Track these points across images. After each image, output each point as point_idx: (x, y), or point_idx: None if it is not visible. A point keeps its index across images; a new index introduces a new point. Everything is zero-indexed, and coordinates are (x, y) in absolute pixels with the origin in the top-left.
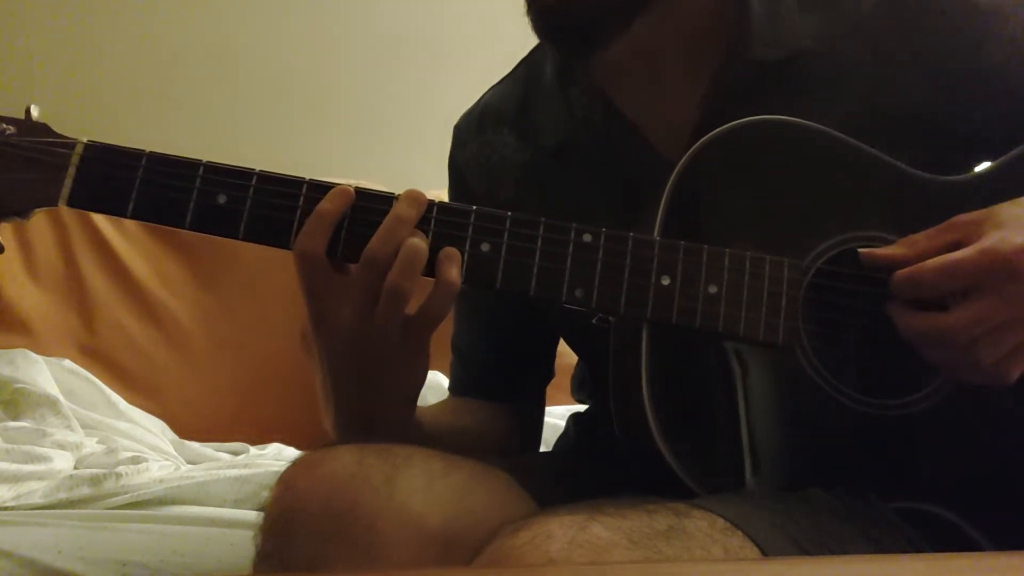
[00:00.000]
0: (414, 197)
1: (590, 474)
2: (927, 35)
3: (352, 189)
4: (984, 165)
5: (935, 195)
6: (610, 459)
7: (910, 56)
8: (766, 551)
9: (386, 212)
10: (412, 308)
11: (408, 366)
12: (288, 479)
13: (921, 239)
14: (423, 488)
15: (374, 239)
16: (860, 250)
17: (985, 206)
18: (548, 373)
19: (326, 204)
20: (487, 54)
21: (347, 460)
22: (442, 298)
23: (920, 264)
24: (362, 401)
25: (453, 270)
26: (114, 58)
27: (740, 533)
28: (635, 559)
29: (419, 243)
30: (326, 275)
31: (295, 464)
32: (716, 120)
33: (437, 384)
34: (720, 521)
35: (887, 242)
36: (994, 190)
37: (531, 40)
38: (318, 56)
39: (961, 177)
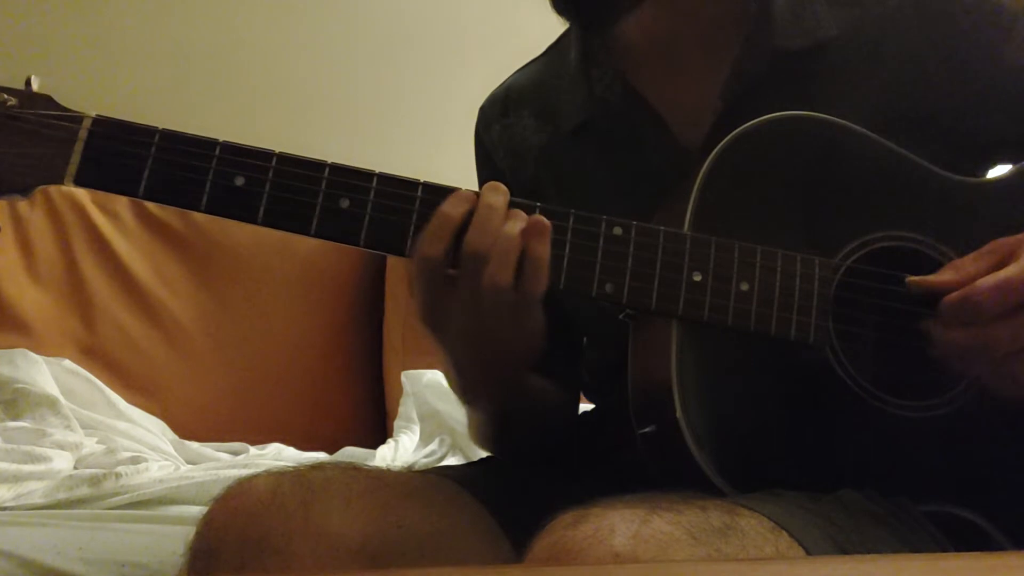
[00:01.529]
0: (495, 185)
1: (559, 479)
2: (951, 34)
3: (473, 193)
4: (1006, 167)
5: (964, 196)
6: (609, 459)
7: (933, 54)
8: (811, 552)
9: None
10: None
11: (520, 338)
12: (208, 516)
13: (967, 263)
14: (340, 508)
15: (471, 233)
16: (908, 279)
17: (1013, 209)
18: (578, 352)
19: (449, 209)
20: (500, 51)
21: (262, 490)
22: (533, 275)
23: (972, 285)
24: (482, 371)
25: (539, 246)
26: (120, 50)
27: (786, 534)
28: (698, 556)
29: (510, 233)
30: (444, 278)
31: (216, 500)
32: (737, 109)
33: (437, 383)
34: (766, 521)
35: (916, 243)
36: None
37: (547, 37)
38: (328, 53)
39: (989, 179)
